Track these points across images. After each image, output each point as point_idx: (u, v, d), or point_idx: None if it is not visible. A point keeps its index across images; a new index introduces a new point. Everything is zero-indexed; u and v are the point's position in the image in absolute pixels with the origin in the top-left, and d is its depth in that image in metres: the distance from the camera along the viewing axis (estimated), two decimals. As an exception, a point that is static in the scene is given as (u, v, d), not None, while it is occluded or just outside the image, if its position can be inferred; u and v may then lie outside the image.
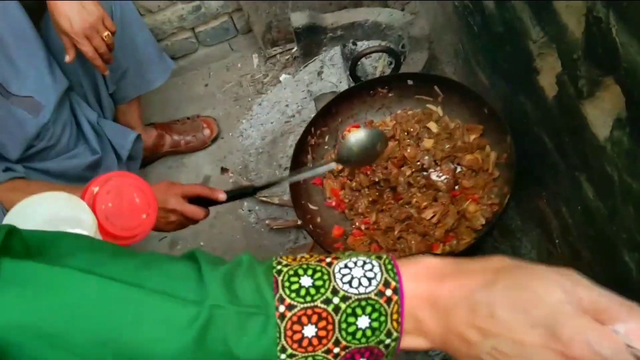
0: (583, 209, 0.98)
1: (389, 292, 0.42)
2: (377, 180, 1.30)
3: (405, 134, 1.34)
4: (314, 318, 0.42)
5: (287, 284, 0.43)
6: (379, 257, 0.45)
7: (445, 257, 0.45)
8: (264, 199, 1.73)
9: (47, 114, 1.34)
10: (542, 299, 0.40)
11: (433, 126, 1.31)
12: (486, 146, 1.26)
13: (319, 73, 1.83)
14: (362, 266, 0.44)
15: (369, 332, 0.42)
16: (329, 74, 1.81)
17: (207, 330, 0.41)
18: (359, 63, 1.73)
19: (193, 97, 2.03)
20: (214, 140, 1.91)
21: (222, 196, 1.12)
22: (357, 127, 1.41)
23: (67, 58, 1.27)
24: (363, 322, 0.42)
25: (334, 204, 1.33)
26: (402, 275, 0.43)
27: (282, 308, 0.42)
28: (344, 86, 1.78)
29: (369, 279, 0.43)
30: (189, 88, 2.05)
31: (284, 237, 1.68)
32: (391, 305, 0.42)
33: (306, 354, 0.42)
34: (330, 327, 0.42)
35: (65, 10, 1.20)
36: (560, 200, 1.10)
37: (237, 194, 1.15)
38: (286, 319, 0.42)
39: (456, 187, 1.24)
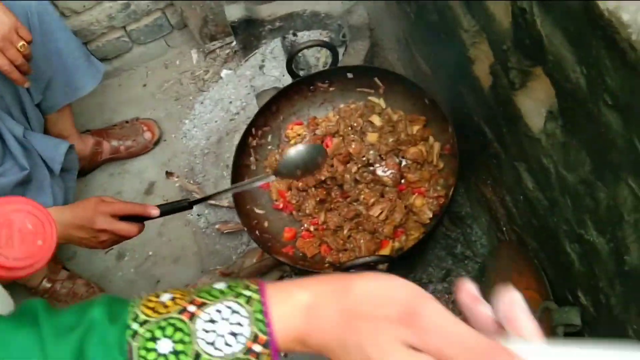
0: (525, 199, 0.98)
1: (257, 348, 0.38)
2: (323, 179, 1.26)
3: (349, 128, 1.30)
4: None
5: (142, 352, 0.37)
6: (248, 299, 0.40)
7: (319, 285, 0.41)
8: (212, 202, 1.67)
9: None
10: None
11: (376, 119, 1.28)
12: (429, 137, 1.24)
13: (261, 67, 1.77)
14: (228, 319, 0.39)
15: None
16: (271, 67, 1.75)
17: None
18: (300, 55, 1.68)
19: (131, 98, 1.93)
20: (157, 143, 1.82)
21: (155, 212, 1.05)
22: (300, 124, 1.36)
23: None
24: None
25: (281, 206, 1.29)
26: (272, 323, 0.39)
27: (134, 344, 0.37)
28: (287, 80, 1.71)
29: (236, 335, 0.38)
30: (126, 89, 1.95)
31: (237, 240, 1.63)
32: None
33: None
34: None
35: None
36: (504, 188, 1.10)
37: (170, 209, 1.09)
38: None
39: (402, 182, 1.22)
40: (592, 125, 0.63)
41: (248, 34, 1.71)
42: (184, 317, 0.39)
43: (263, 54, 1.77)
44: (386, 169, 1.22)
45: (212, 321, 0.39)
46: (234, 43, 1.82)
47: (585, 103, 0.62)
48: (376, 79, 1.29)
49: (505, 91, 0.87)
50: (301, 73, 1.65)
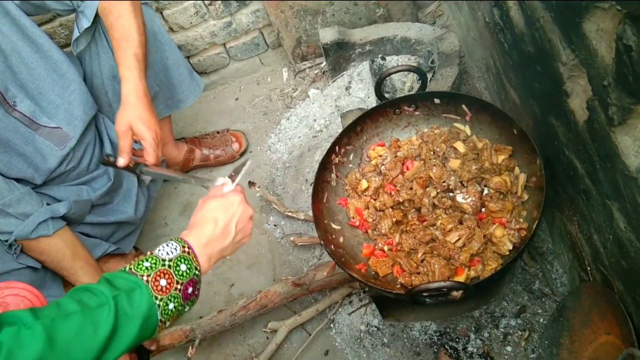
0: (615, 239, 0.94)
1: (187, 249, 0.86)
2: (401, 200, 1.27)
3: (432, 153, 1.31)
4: (162, 275, 0.81)
5: (137, 268, 0.81)
6: (177, 239, 0.88)
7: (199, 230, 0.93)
8: (289, 214, 1.73)
9: (72, 143, 1.38)
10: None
11: (460, 146, 1.28)
12: (515, 168, 1.22)
13: (347, 88, 1.82)
14: (168, 245, 0.85)
15: (187, 271, 0.84)
16: (357, 89, 1.80)
17: (118, 308, 0.75)
18: (388, 79, 1.72)
19: (223, 110, 2.06)
20: (243, 153, 1.93)
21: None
22: (382, 145, 1.39)
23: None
24: (183, 267, 0.83)
25: (357, 223, 1.32)
26: (189, 242, 0.88)
27: (145, 278, 0.79)
28: (371, 101, 1.76)
29: (175, 248, 0.85)
30: (220, 101, 2.08)
31: (309, 254, 1.67)
32: (191, 255, 0.86)
33: (167, 295, 0.80)
34: (170, 276, 0.81)
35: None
36: (592, 226, 1.05)
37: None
38: (150, 281, 0.79)
39: (483, 210, 1.21)
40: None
41: (338, 56, 1.77)
42: (148, 255, 0.84)
43: (350, 76, 1.83)
44: (467, 196, 1.21)
45: (162, 249, 0.84)
46: (324, 64, 1.90)
47: (691, 144, 0.60)
48: (463, 106, 1.30)
49: (602, 127, 0.85)
50: (387, 96, 1.69)
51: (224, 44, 1.93)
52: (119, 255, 1.65)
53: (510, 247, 1.14)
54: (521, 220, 1.17)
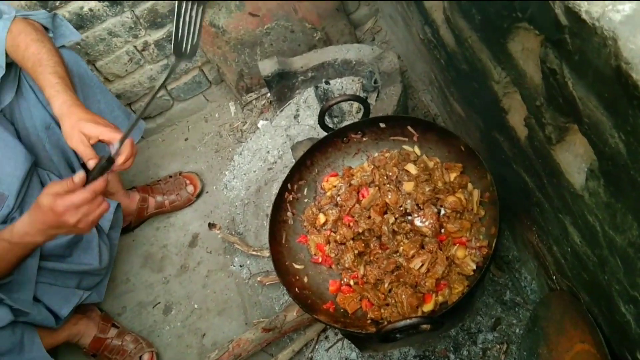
0: (573, 252, 0.92)
1: None
2: (360, 231, 1.24)
3: (385, 178, 1.28)
4: None
5: None
6: None
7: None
8: (254, 252, 1.68)
9: (11, 202, 1.30)
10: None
11: (411, 168, 1.26)
12: (468, 184, 1.20)
13: (296, 116, 1.79)
14: None
15: None
16: (305, 116, 1.77)
17: None
18: (329, 108, 1.70)
19: (174, 152, 2.00)
20: (199, 195, 1.87)
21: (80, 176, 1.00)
22: (335, 175, 1.36)
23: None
24: None
25: (320, 260, 1.28)
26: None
27: None
28: (321, 129, 1.73)
29: None
30: (169, 144, 2.02)
31: (279, 291, 1.62)
32: None
33: None
34: None
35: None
36: (550, 238, 1.04)
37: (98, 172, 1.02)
38: None
39: (442, 231, 1.19)
40: (636, 192, 0.59)
41: (282, 86, 1.74)
42: None
43: (297, 104, 1.80)
44: (424, 219, 1.19)
45: None
46: (269, 94, 1.86)
47: (626, 169, 0.59)
48: (409, 127, 1.28)
49: (542, 144, 0.84)
50: (335, 120, 1.66)
51: (165, 86, 1.88)
52: (86, 317, 1.57)
53: (474, 267, 1.12)
54: (481, 237, 1.15)
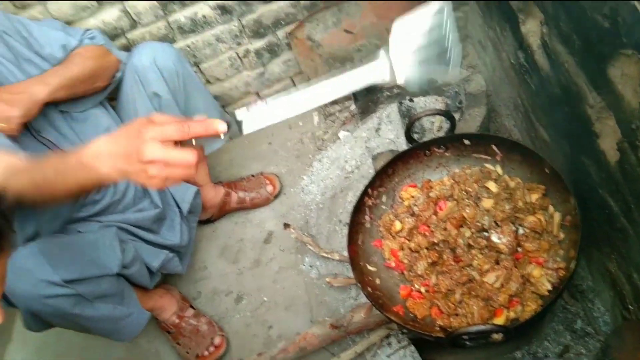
0: (656, 279, 0.93)
1: None
2: (436, 241, 1.29)
3: (464, 193, 1.33)
4: None
5: None
6: None
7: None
8: (324, 254, 1.75)
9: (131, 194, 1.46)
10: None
11: (492, 186, 1.30)
12: (549, 207, 1.22)
13: (377, 130, 1.87)
14: None
15: None
16: (387, 130, 1.84)
17: None
18: (416, 121, 1.76)
19: (257, 154, 2.13)
20: (277, 196, 1.98)
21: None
22: (414, 186, 1.42)
23: None
24: None
25: (393, 264, 1.34)
26: None
27: None
28: (401, 142, 1.80)
29: None
30: (254, 146, 2.16)
31: (345, 294, 1.69)
32: None
33: None
34: None
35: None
36: (631, 265, 1.05)
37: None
38: None
39: (519, 250, 1.21)
40: None
41: (367, 100, 1.83)
42: None
43: (379, 118, 1.87)
44: (502, 236, 1.22)
45: None
46: (353, 107, 1.96)
47: None
48: (493, 146, 1.32)
49: (633, 168, 0.86)
50: (416, 136, 1.72)
51: (257, 92, 2.02)
52: (169, 293, 1.71)
53: (549, 287, 1.13)
54: (558, 259, 1.16)
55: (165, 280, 1.80)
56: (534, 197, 1.24)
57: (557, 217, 1.19)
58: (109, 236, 1.37)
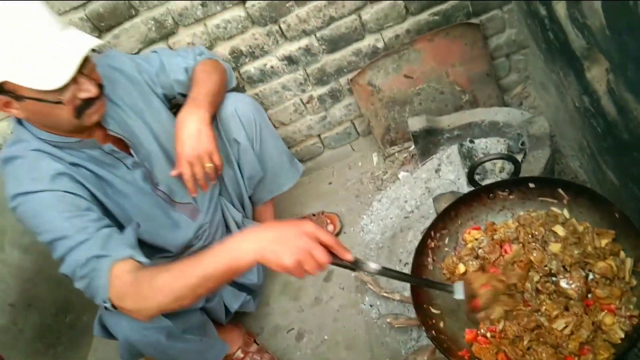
0: None
1: None
2: (510, 283, 1.27)
3: (530, 236, 1.32)
4: None
5: None
6: None
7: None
8: (385, 294, 1.77)
9: (203, 216, 1.56)
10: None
11: (559, 229, 1.28)
12: (620, 252, 1.20)
13: (437, 170, 1.89)
14: None
15: None
16: (447, 171, 1.86)
17: None
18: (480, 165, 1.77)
19: (318, 194, 2.20)
20: (337, 234, 2.02)
21: (349, 257, 1.03)
22: (478, 229, 1.42)
23: (173, 172, 1.37)
24: None
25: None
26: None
27: None
28: (462, 183, 1.81)
29: None
30: (315, 186, 2.23)
31: (406, 335, 1.68)
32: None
33: None
34: None
35: (183, 134, 1.34)
36: None
37: (340, 264, 1.05)
38: None
39: (589, 296, 1.19)
40: None
41: (427, 142, 1.86)
42: None
43: (440, 159, 1.90)
44: (571, 282, 1.20)
45: None
46: (412, 147, 2.00)
47: None
48: (560, 190, 1.31)
49: None
50: (477, 177, 1.73)
51: (319, 135, 2.11)
52: (237, 328, 1.79)
53: (622, 335, 1.10)
54: (631, 306, 1.13)
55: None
56: (604, 242, 1.22)
57: (628, 263, 1.17)
58: None
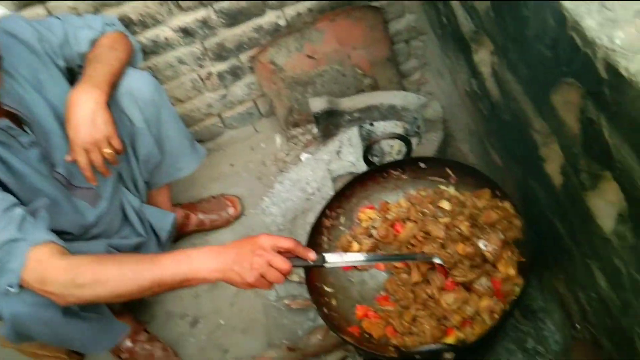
0: (599, 298, 0.97)
1: None
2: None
3: (420, 214, 1.35)
4: None
5: None
6: None
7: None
8: (284, 277, 1.74)
9: (104, 203, 1.43)
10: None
11: (445, 204, 1.33)
12: (498, 202, 1.25)
13: (338, 152, 1.89)
14: None
15: None
16: (348, 153, 1.87)
17: None
18: (375, 144, 1.80)
19: (219, 176, 2.12)
20: (238, 218, 1.96)
21: (312, 256, 1.07)
22: (372, 208, 1.44)
23: (67, 157, 1.28)
24: None
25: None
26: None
27: None
28: (362, 164, 1.82)
29: None
30: (215, 167, 2.14)
31: (304, 317, 1.67)
32: None
33: None
34: None
35: (76, 119, 1.23)
36: (577, 285, 1.09)
37: (303, 264, 1.09)
38: None
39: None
40: (661, 231, 0.66)
41: (328, 123, 1.85)
42: None
43: (340, 141, 1.90)
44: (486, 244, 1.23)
45: None
46: (315, 130, 1.98)
47: (653, 210, 0.65)
48: (448, 170, 1.36)
49: (576, 191, 0.90)
50: (375, 159, 1.75)
51: (219, 114, 2.02)
52: (127, 315, 1.67)
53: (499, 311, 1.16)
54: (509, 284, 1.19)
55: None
56: (483, 200, 1.26)
57: (507, 206, 1.22)
58: (99, 249, 1.37)
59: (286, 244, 1.04)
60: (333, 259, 1.09)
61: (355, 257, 1.15)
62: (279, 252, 1.03)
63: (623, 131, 0.68)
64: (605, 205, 0.84)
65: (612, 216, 0.82)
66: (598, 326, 1.02)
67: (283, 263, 1.02)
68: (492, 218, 1.22)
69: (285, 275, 1.03)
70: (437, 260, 1.19)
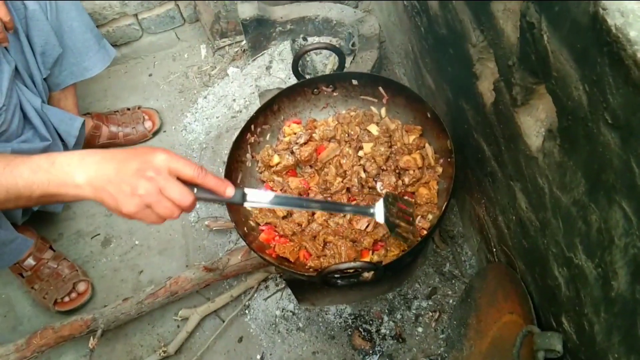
0: (517, 220, 0.96)
1: None
2: (310, 186, 1.25)
3: (346, 135, 1.29)
4: None
5: None
6: None
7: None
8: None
9: (1, 98, 1.24)
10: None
11: (373, 129, 1.27)
12: (426, 145, 1.23)
13: (268, 68, 1.77)
14: None
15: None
16: (278, 69, 1.75)
17: None
18: (308, 60, 1.68)
19: (136, 86, 1.93)
20: (156, 133, 1.82)
21: (229, 192, 0.80)
22: (298, 122, 1.35)
23: None
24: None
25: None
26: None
27: None
28: (293, 82, 1.72)
29: None
30: (132, 77, 1.95)
31: (224, 238, 1.61)
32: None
33: None
34: None
35: None
36: (497, 208, 1.08)
37: (218, 200, 0.83)
38: None
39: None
40: (590, 145, 0.62)
41: (258, 34, 1.71)
42: None
43: (271, 55, 1.77)
44: (382, 187, 1.21)
45: None
46: (244, 42, 1.83)
47: (585, 121, 0.62)
48: (380, 88, 1.29)
49: (507, 108, 0.86)
50: (307, 76, 1.65)
51: (136, 15, 1.80)
52: (29, 231, 1.54)
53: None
54: (430, 217, 1.17)
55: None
56: (412, 137, 1.23)
57: (430, 149, 1.20)
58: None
59: (189, 172, 0.76)
60: (255, 197, 0.84)
61: (280, 200, 0.91)
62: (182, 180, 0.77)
63: (563, 34, 0.62)
64: (535, 122, 0.80)
65: (540, 134, 0.79)
66: (514, 248, 1.03)
67: (181, 194, 0.74)
68: (410, 164, 1.19)
69: (185, 210, 0.77)
70: (373, 217, 0.99)
